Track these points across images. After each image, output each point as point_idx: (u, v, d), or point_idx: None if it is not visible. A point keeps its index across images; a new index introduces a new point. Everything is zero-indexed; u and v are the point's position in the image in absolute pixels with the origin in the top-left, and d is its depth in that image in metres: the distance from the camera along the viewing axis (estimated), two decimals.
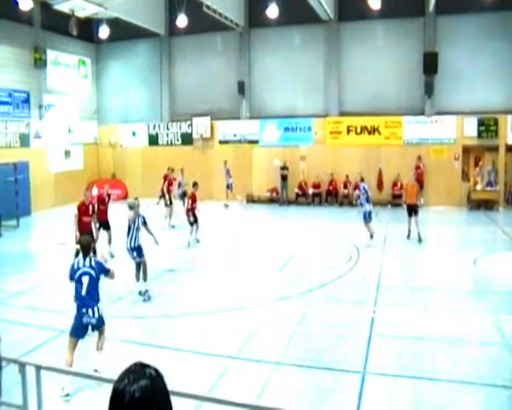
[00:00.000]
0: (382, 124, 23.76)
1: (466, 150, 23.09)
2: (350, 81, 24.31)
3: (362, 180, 17.06)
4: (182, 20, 23.62)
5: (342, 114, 24.51)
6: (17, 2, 19.87)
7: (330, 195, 24.38)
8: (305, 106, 25.00)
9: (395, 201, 22.94)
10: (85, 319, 7.10)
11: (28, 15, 22.22)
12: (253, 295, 11.33)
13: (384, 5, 21.07)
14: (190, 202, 16.25)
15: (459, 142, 22.84)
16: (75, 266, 7.28)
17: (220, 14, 22.66)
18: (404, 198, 17.11)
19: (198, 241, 16.51)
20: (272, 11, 21.93)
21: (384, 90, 23.54)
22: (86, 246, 7.47)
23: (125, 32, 25.77)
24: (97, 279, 7.28)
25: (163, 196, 19.87)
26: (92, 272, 7.20)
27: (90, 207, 13.28)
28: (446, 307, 10.40)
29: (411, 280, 12.28)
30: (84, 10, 21.36)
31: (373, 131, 24.00)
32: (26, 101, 23.58)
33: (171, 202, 19.45)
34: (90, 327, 7.20)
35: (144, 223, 11.39)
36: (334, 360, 7.91)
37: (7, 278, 12.66)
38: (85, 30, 25.31)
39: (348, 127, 24.31)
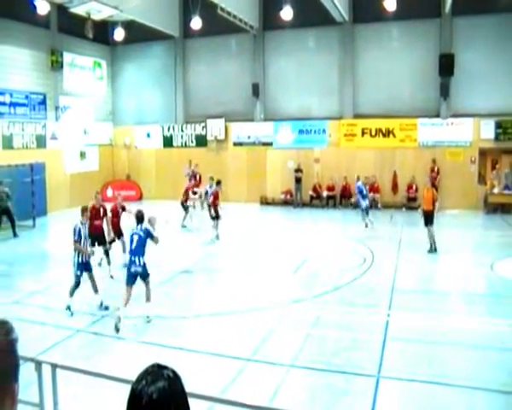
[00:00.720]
0: (397, 126, 23.62)
1: (482, 153, 22.86)
2: (364, 83, 24.21)
3: (358, 179, 18.45)
4: (196, 23, 23.71)
5: (357, 116, 24.41)
6: (35, 6, 20.13)
7: (344, 197, 24.28)
8: (319, 108, 24.94)
9: (410, 204, 22.78)
10: (133, 268, 9.60)
11: (45, 19, 22.47)
12: (267, 298, 11.32)
13: (399, 7, 20.96)
14: (213, 198, 17.13)
15: (475, 144, 22.62)
16: (132, 231, 9.89)
17: (234, 17, 22.69)
18: (421, 204, 16.46)
19: (218, 238, 16.86)
20: (287, 13, 21.93)
21: (399, 92, 23.41)
22: (139, 217, 9.99)
23: (139, 35, 25.94)
24: (145, 240, 9.73)
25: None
26: (141, 234, 9.72)
27: (102, 210, 13.10)
28: (462, 311, 10.31)
29: (426, 284, 12.19)
30: (100, 13, 21.54)
31: (388, 133, 23.87)
32: (43, 103, 23.82)
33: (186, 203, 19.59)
34: (138, 276, 9.69)
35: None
36: (347, 364, 7.87)
37: (23, 278, 12.80)
38: (101, 32, 25.51)
39: (363, 130, 24.21)
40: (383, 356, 8.12)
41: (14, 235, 17.65)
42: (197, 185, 20.76)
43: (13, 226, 17.75)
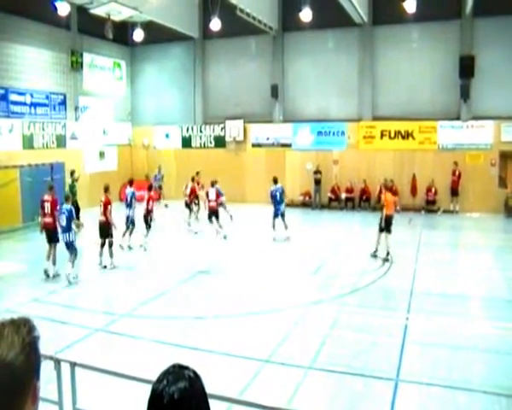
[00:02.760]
0: (416, 129, 23.42)
1: (503, 156, 22.55)
2: (384, 85, 24.05)
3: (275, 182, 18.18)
4: (215, 24, 23.75)
5: (376, 118, 24.26)
6: (55, 8, 20.35)
7: (363, 200, 24.12)
8: (338, 110, 24.84)
9: (429, 207, 22.58)
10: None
11: (66, 20, 22.70)
12: (285, 299, 11.28)
13: (419, 8, 20.74)
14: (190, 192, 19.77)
15: (496, 147, 22.32)
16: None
17: (254, 18, 22.68)
18: (384, 208, 15.05)
19: (225, 237, 17.39)
20: (306, 15, 21.85)
21: (419, 94, 23.20)
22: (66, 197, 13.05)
23: (159, 35, 26.09)
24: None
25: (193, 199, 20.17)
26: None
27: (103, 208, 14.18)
28: (482, 315, 10.17)
29: (446, 287, 12.01)
30: (120, 14, 21.70)
31: (407, 135, 23.68)
32: (63, 103, 24.07)
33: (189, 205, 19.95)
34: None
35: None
36: (366, 367, 7.80)
37: (44, 277, 12.89)
38: (120, 33, 25.72)
39: (382, 132, 24.05)
40: (402, 360, 8.04)
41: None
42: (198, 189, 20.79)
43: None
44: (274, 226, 17.45)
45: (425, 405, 6.81)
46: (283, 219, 17.36)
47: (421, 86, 23.17)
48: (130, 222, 16.03)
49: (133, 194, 16.30)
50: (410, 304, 10.75)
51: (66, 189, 19.23)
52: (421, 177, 23.07)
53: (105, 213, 14.05)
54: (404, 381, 7.37)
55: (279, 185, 17.88)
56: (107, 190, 14.44)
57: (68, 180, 20.28)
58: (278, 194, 17.55)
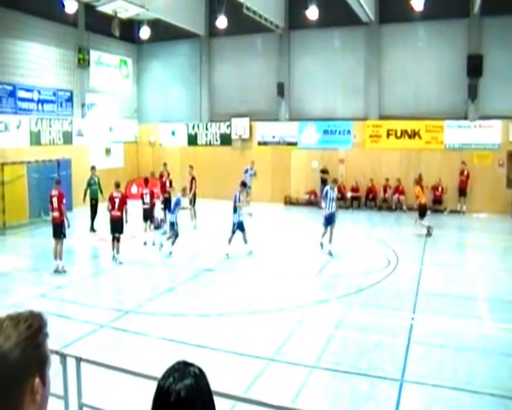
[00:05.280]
0: (423, 128, 23.33)
1: (511, 156, 22.43)
2: (390, 84, 23.98)
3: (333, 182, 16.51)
4: (222, 22, 23.76)
5: (382, 117, 24.19)
6: (63, 5, 20.41)
7: (369, 198, 24.08)
8: (344, 109, 24.79)
9: (435, 206, 22.50)
10: None
11: (73, 17, 22.77)
12: (290, 298, 11.28)
13: (427, 6, 20.64)
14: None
15: (504, 147, 22.19)
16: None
17: (260, 16, 22.65)
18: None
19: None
20: (312, 13, 21.83)
21: (425, 93, 23.11)
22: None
23: (165, 33, 26.08)
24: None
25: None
26: None
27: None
28: (488, 317, 10.12)
29: (452, 288, 11.96)
30: (127, 11, 21.74)
31: (413, 135, 23.60)
32: (70, 100, 24.15)
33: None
34: None
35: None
36: (371, 367, 7.78)
37: (49, 272, 12.96)
38: (127, 31, 25.75)
39: (388, 131, 23.98)
40: (407, 360, 8.02)
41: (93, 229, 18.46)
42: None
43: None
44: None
45: (430, 406, 6.78)
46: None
47: (428, 85, 23.08)
48: (173, 228, 15.29)
49: (179, 201, 15.46)
50: (416, 304, 10.72)
51: (92, 187, 19.01)
52: (428, 176, 22.94)
53: (120, 208, 14.23)
54: (409, 382, 7.35)
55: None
56: (118, 186, 14.74)
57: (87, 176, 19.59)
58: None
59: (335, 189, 15.67)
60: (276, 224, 20.84)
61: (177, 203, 15.37)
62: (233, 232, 14.96)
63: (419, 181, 19.12)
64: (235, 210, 14.99)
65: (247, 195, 19.96)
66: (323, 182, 24.41)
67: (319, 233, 15.53)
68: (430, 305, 10.74)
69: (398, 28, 23.58)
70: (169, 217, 15.79)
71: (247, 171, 23.02)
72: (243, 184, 16.18)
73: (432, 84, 23.04)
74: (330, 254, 14.73)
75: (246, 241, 14.98)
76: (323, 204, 15.42)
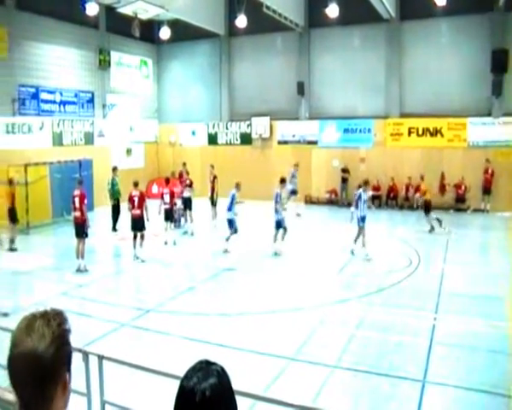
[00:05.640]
0: (445, 126, 23.03)
1: None
2: (412, 81, 23.72)
3: (365, 184, 15.49)
4: (241, 21, 23.77)
5: (403, 115, 23.95)
6: (85, 8, 20.63)
7: (390, 197, 23.86)
8: (365, 107, 24.60)
9: (458, 205, 22.20)
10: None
11: (94, 19, 23.02)
12: (311, 297, 11.24)
13: (449, 2, 20.35)
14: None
15: None
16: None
17: (280, 15, 22.61)
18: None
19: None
20: (332, 11, 21.70)
21: (448, 90, 22.79)
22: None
23: (185, 33, 26.22)
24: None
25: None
26: None
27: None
28: None
29: (475, 288, 11.77)
30: (147, 12, 21.89)
31: (435, 133, 23.31)
32: (91, 101, 24.41)
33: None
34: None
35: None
36: (392, 367, 7.71)
37: (71, 271, 13.10)
38: (147, 31, 25.95)
39: (409, 129, 23.73)
40: (429, 361, 7.92)
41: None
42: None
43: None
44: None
45: (452, 408, 6.69)
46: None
47: (450, 82, 22.75)
48: (232, 226, 15.37)
49: (234, 196, 15.44)
50: (438, 304, 10.59)
51: (115, 188, 19.14)
52: (450, 175, 22.64)
53: (140, 206, 14.47)
54: (431, 383, 7.24)
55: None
56: (137, 185, 14.95)
57: (108, 177, 19.64)
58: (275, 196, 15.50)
59: (368, 191, 15.40)
60: (296, 223, 20.73)
61: (233, 199, 15.38)
62: (277, 230, 15.24)
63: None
64: (276, 209, 15.08)
65: (292, 198, 20.90)
66: (344, 181, 24.32)
67: (347, 237, 15.36)
68: (453, 305, 10.59)
69: (419, 25, 23.30)
70: (227, 214, 15.47)
71: (293, 175, 21.62)
72: (282, 181, 16.06)
73: (454, 80, 22.72)
74: (368, 257, 14.25)
75: (282, 238, 15.18)
76: (354, 207, 15.03)
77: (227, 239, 15.30)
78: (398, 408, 6.64)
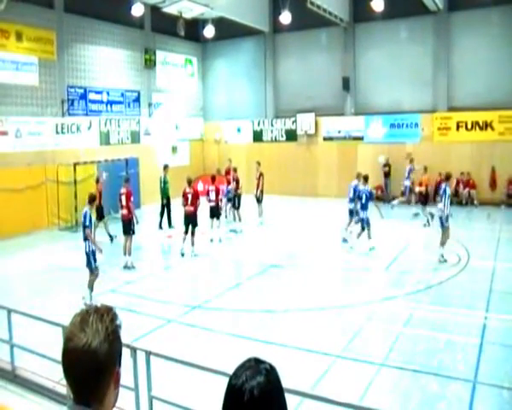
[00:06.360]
0: (496, 119, 22.28)
1: None
2: (460, 74, 23.07)
3: (447, 179, 14.19)
4: (286, 17, 23.65)
5: (451, 109, 23.33)
6: (130, 9, 21.03)
7: (438, 193, 23.27)
8: (411, 101, 24.09)
9: (509, 201, 21.50)
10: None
11: (139, 20, 23.41)
12: (358, 294, 11.12)
13: None
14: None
15: None
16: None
17: (324, 10, 22.38)
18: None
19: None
20: (377, 4, 21.31)
21: (498, 82, 22.01)
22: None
23: (229, 31, 26.31)
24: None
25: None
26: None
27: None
28: None
29: None
30: (191, 11, 22.10)
31: (485, 126, 22.59)
32: (137, 100, 24.84)
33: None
34: None
35: None
36: (441, 366, 7.54)
37: (119, 268, 13.38)
38: (192, 30, 26.18)
39: (458, 123, 23.10)
40: (480, 361, 7.70)
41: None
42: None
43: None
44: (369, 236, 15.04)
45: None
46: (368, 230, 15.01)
47: (501, 74, 21.96)
48: (365, 224, 14.95)
49: (371, 194, 15.30)
50: (489, 302, 10.28)
51: (166, 185, 19.00)
52: (502, 170, 21.92)
53: (193, 203, 14.76)
54: (483, 383, 7.04)
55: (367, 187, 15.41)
56: (190, 182, 15.33)
57: (160, 175, 19.46)
58: (365, 196, 15.00)
59: (451, 185, 14.38)
60: (342, 219, 20.52)
61: (370, 197, 15.18)
62: (362, 229, 15.01)
63: None
64: (364, 207, 14.83)
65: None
66: (386, 176, 23.92)
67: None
68: (505, 304, 10.28)
69: (468, 15, 22.61)
70: (361, 214, 15.01)
71: (410, 170, 20.98)
72: (366, 179, 15.47)
73: (505, 72, 21.91)
74: (443, 259, 13.27)
75: (369, 237, 14.96)
76: (441, 204, 13.46)
77: (369, 237, 14.92)
78: (448, 409, 6.49)
